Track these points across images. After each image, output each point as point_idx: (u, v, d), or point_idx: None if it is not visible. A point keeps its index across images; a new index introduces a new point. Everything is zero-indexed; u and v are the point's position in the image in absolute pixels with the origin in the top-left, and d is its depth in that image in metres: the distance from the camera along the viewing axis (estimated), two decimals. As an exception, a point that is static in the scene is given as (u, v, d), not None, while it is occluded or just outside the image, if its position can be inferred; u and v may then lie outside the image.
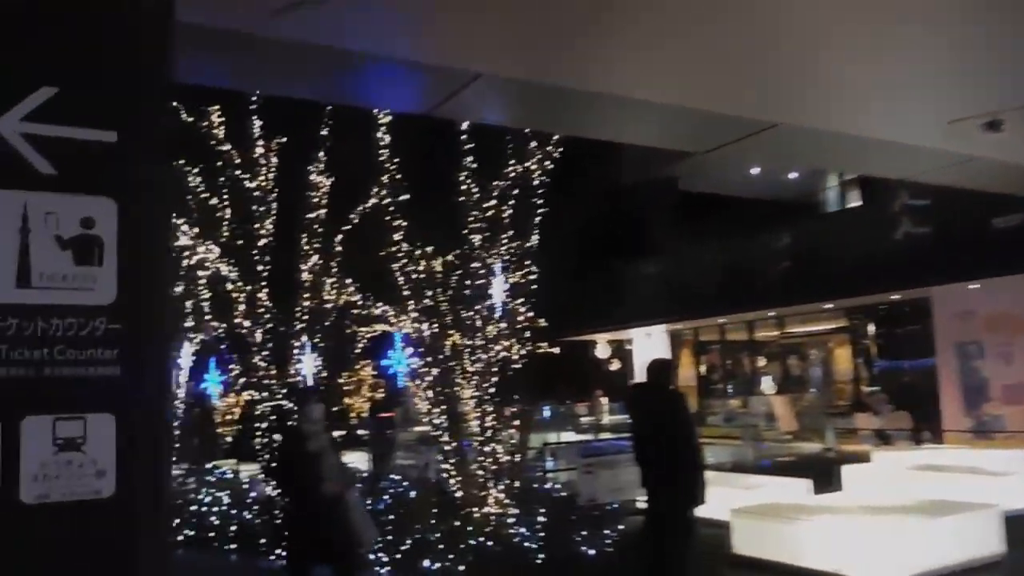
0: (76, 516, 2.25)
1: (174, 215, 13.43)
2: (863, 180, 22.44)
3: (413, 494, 12.16)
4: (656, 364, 7.88)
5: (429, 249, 10.88)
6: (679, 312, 23.74)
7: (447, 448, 10.86)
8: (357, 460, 19.22)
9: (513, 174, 10.22)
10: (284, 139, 12.87)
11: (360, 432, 23.50)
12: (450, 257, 10.92)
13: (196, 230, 12.89)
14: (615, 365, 31.70)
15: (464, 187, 10.28)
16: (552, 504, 10.30)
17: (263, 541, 10.10)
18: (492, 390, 10.56)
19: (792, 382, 23.97)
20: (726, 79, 5.66)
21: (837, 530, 7.63)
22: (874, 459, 12.90)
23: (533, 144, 10.30)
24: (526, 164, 10.14)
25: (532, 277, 10.39)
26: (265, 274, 12.64)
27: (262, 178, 12.43)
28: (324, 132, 12.50)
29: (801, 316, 22.39)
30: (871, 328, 21.60)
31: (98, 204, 2.42)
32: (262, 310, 12.55)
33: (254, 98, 12.16)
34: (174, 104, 12.08)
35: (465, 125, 10.30)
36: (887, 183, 16.24)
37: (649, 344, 26.34)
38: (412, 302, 10.93)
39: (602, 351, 31.20)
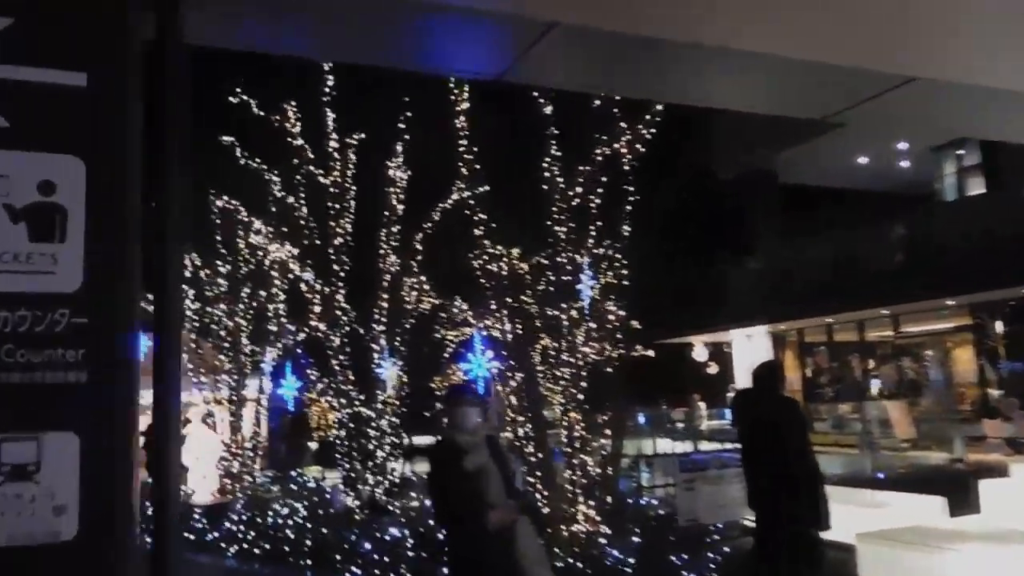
0: (27, 565, 1.76)
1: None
2: (988, 165, 20.67)
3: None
4: (764, 368, 6.93)
5: (515, 251, 10.09)
6: (782, 312, 22.37)
7: (532, 459, 10.04)
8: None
9: (600, 158, 9.31)
10: (361, 135, 12.33)
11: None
12: (536, 258, 10.14)
13: (271, 229, 12.50)
14: (713, 368, 30.43)
15: (548, 174, 9.44)
16: (648, 523, 9.37)
17: (338, 558, 9.49)
18: (581, 396, 9.70)
19: (906, 385, 22.26)
20: (854, 27, 4.66)
21: (991, 563, 6.46)
22: (1014, 473, 11.44)
23: (622, 125, 9.37)
24: (615, 145, 9.21)
25: (624, 273, 9.46)
26: (342, 275, 12.12)
27: (338, 174, 11.91)
28: (400, 125, 11.91)
29: (918, 314, 20.72)
30: (998, 326, 19.79)
31: (61, 164, 1.93)
32: (340, 312, 12.03)
33: (327, 90, 11.63)
34: (242, 96, 11.90)
35: (549, 110, 9.51)
36: (1015, 167, 14.71)
37: (750, 346, 25.00)
38: (494, 302, 10.18)
39: (699, 354, 29.94)
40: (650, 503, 10.39)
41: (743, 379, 25.65)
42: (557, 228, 9.48)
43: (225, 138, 12.41)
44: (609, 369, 9.67)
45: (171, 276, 2.14)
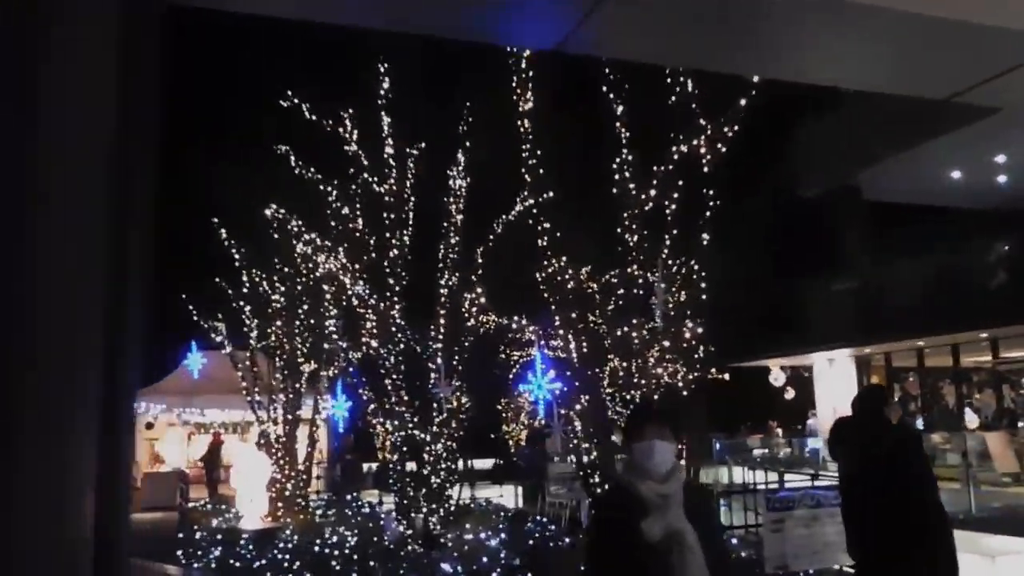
0: None
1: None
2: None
3: (563, 542, 10.53)
4: (870, 392, 5.97)
5: (584, 270, 9.25)
6: (868, 335, 20.96)
7: (597, 491, 9.13)
8: (507, 495, 17.79)
9: (674, 164, 8.42)
10: (421, 144, 11.66)
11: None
12: (607, 274, 9.30)
13: (327, 243, 11.91)
14: (790, 394, 29.00)
15: (620, 181, 8.58)
16: (727, 567, 8.34)
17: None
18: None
19: (1007, 415, 20.58)
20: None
21: None
22: None
23: (701, 124, 8.46)
24: (694, 145, 8.31)
25: (698, 291, 8.53)
26: (398, 289, 11.44)
27: (395, 182, 11.25)
28: (461, 129, 11.19)
29: (1020, 338, 19.13)
30: (1111, 353, 18.13)
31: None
32: (395, 330, 11.33)
33: (383, 92, 11.00)
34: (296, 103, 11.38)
35: (620, 109, 8.67)
36: None
37: (832, 371, 23.59)
38: (559, 319, 9.34)
39: (777, 378, 28.56)
40: (729, 541, 9.33)
41: (825, 406, 24.24)
42: (629, 238, 8.59)
43: (281, 147, 11.92)
44: (685, 392, 8.72)
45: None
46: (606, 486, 8.26)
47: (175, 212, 14.28)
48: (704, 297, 8.56)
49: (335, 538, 11.12)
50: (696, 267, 8.54)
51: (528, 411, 34.92)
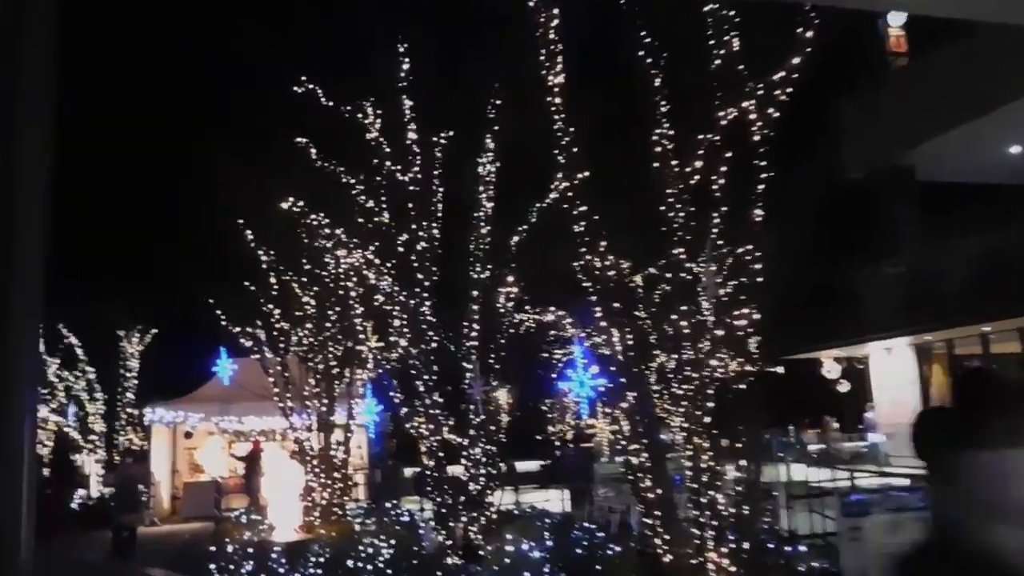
0: None
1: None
2: None
3: (612, 550, 9.79)
4: (975, 375, 5.05)
5: (624, 263, 8.47)
6: (928, 321, 19.83)
7: (648, 495, 8.36)
8: (553, 499, 17.05)
9: (725, 122, 7.59)
10: (446, 129, 10.99)
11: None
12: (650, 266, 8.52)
13: (352, 238, 11.30)
14: (844, 386, 27.85)
15: (660, 150, 7.78)
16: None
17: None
18: (707, 419, 7.97)
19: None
20: None
21: None
22: None
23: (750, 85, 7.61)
24: (744, 105, 7.46)
25: (748, 279, 7.69)
26: (428, 285, 10.78)
27: (418, 170, 10.59)
28: (489, 110, 10.48)
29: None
30: None
31: None
32: (425, 327, 10.67)
33: (402, 74, 10.35)
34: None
35: (657, 76, 7.88)
36: None
37: (890, 360, 22.45)
38: (600, 311, 8.58)
39: (830, 370, 27.44)
40: (799, 551, 8.48)
41: (883, 398, 23.09)
42: (674, 217, 7.79)
43: (299, 139, 11.34)
44: (741, 385, 7.90)
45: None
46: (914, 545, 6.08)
47: (199, 215, 13.85)
48: (759, 280, 7.73)
49: (370, 549, 10.49)
50: (748, 248, 7.71)
51: (573, 411, 34.16)
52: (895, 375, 22.41)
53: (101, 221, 35.85)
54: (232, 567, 11.33)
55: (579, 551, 10.28)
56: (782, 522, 10.22)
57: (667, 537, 8.09)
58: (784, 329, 14.31)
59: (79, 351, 26.79)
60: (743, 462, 8.03)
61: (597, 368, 11.22)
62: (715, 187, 7.70)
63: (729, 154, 7.71)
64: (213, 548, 12.30)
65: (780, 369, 16.78)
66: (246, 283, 15.11)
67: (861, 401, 25.94)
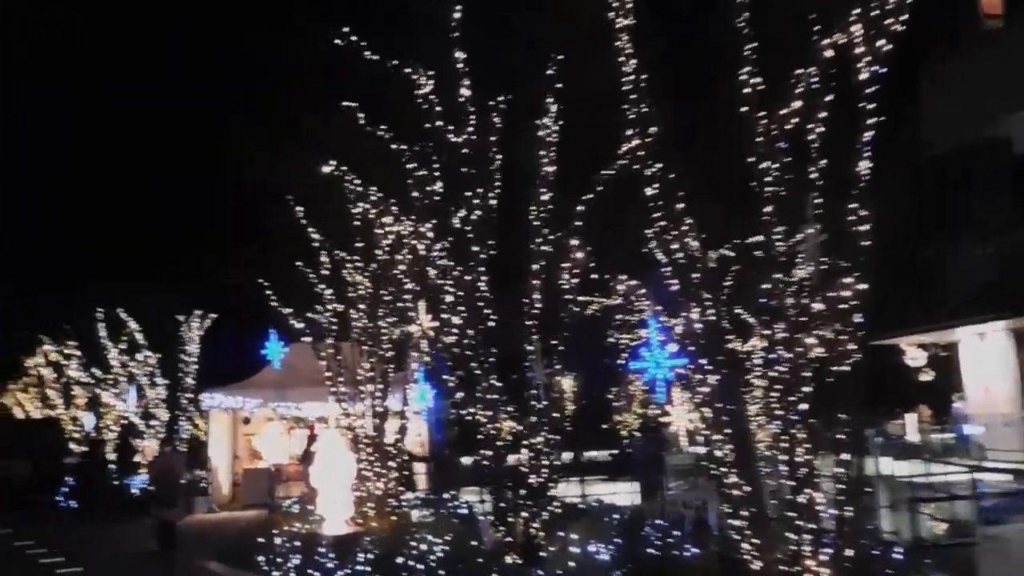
0: None
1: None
2: None
3: (688, 552, 8.80)
4: None
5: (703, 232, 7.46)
6: (1028, 304, 18.22)
7: (734, 492, 7.34)
8: (621, 492, 16.09)
9: (826, 55, 6.48)
10: (503, 84, 10.06)
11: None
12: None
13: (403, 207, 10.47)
14: (927, 375, 26.21)
15: (748, 91, 6.72)
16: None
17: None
18: (804, 406, 6.91)
19: None
20: None
21: None
22: None
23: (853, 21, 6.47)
24: (844, 38, 6.33)
25: (862, 230, 6.57)
26: (484, 258, 9.89)
27: (472, 130, 9.67)
28: (551, 65, 9.50)
29: None
30: None
31: None
32: (481, 305, 9.79)
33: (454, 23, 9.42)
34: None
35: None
36: None
37: (983, 347, 20.81)
38: (679, 283, 7.57)
39: (915, 357, 25.82)
40: (920, 562, 7.30)
41: (974, 387, 21.46)
42: (766, 170, 6.72)
43: (349, 104, 10.53)
44: (843, 367, 6.80)
45: None
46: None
47: (249, 195, 13.23)
48: (866, 244, 6.63)
49: (423, 546, 9.68)
50: (853, 208, 6.60)
51: (641, 398, 33.00)
52: (989, 362, 20.76)
53: (160, 206, 36.07)
54: (278, 560, 10.68)
55: (651, 551, 9.32)
56: (883, 524, 9.08)
57: (756, 541, 7.07)
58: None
59: (139, 336, 26.73)
60: (844, 455, 6.95)
61: (675, 348, 10.18)
62: (814, 136, 6.61)
63: (831, 97, 6.62)
64: (261, 540, 11.67)
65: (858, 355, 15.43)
66: (298, 264, 14.48)
67: (945, 390, 24.31)
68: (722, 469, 7.38)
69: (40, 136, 36.67)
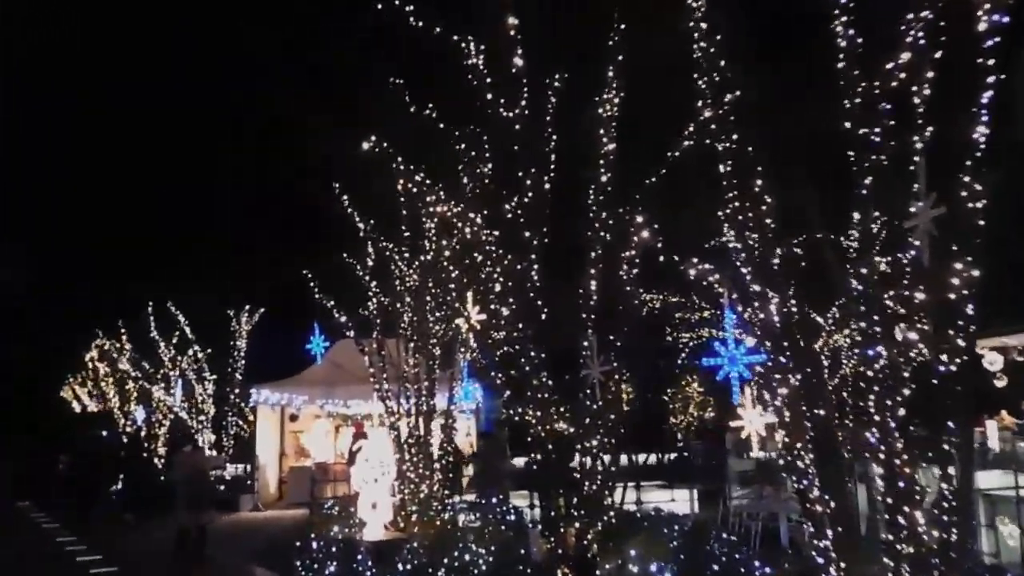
0: None
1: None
2: None
3: (761, 572, 7.89)
4: None
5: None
6: None
7: (817, 507, 6.43)
8: (680, 500, 15.14)
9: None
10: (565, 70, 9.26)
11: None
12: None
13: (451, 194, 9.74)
14: (1001, 381, 24.65)
15: (844, 43, 5.81)
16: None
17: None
18: (902, 411, 5.98)
19: None
20: None
21: None
22: None
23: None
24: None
25: (977, 207, 5.60)
26: (536, 245, 9.10)
27: (525, 104, 8.89)
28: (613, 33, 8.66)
29: None
30: None
31: None
32: (533, 295, 9.01)
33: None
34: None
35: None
36: None
37: (1073, 351, 19.32)
38: (753, 268, 6.69)
39: (992, 362, 24.29)
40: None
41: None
42: (866, 132, 5.80)
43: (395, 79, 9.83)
44: (951, 367, 5.85)
45: None
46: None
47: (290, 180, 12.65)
48: (980, 225, 5.68)
49: (466, 556, 8.91)
50: (966, 182, 5.64)
51: (697, 401, 31.83)
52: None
53: (209, 198, 36.07)
54: (314, 566, 10.03)
55: (716, 567, 8.41)
56: (981, 544, 8.07)
57: (844, 564, 6.16)
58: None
59: (187, 331, 26.54)
60: (950, 468, 5.99)
61: (750, 342, 9.25)
62: (922, 96, 5.67)
63: (940, 53, 5.67)
64: (297, 543, 11.03)
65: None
66: (344, 255, 13.90)
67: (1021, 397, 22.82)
68: (804, 482, 6.48)
69: (90, 131, 37.06)
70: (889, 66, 5.61)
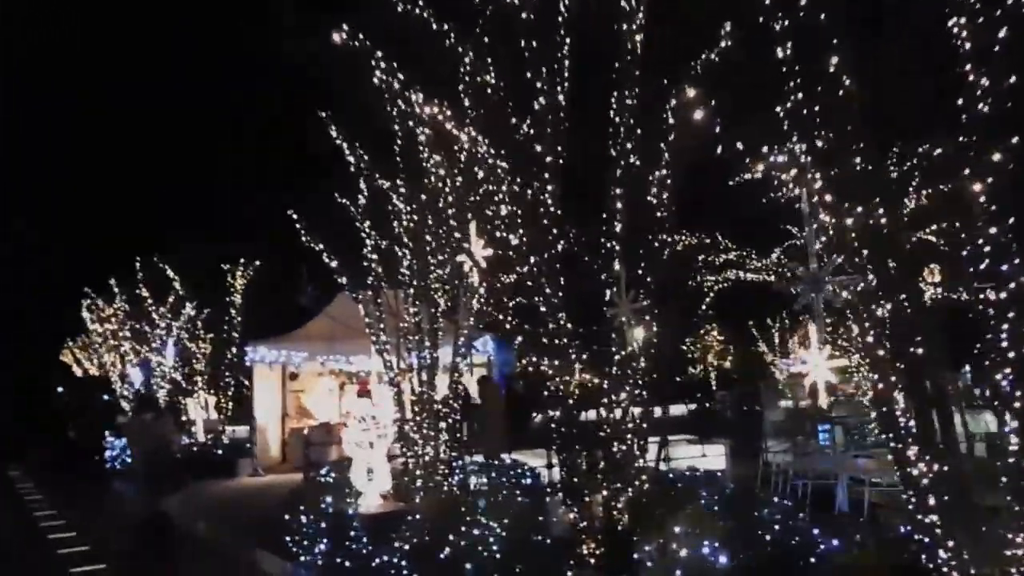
0: None
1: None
2: None
3: (826, 544, 6.56)
4: None
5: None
6: None
7: (915, 470, 5.05)
8: (712, 456, 13.85)
9: None
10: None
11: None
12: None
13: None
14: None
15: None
16: None
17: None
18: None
19: None
20: None
21: None
22: None
23: None
24: None
25: None
26: (550, 164, 7.64)
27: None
28: None
29: None
30: None
31: None
32: (549, 224, 7.57)
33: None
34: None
35: None
36: None
37: None
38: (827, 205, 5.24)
39: None
40: None
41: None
42: None
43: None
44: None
45: None
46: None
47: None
48: None
49: (475, 530, 7.59)
50: None
51: (717, 349, 30.50)
52: None
53: (205, 149, 34.81)
54: (306, 543, 8.80)
55: (768, 537, 7.05)
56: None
57: (959, 544, 4.79)
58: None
59: (178, 286, 25.21)
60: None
61: (829, 259, 7.79)
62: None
63: None
64: (287, 516, 9.76)
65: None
66: (335, 194, 12.46)
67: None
68: (899, 437, 5.09)
69: (87, 105, 36.15)
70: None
